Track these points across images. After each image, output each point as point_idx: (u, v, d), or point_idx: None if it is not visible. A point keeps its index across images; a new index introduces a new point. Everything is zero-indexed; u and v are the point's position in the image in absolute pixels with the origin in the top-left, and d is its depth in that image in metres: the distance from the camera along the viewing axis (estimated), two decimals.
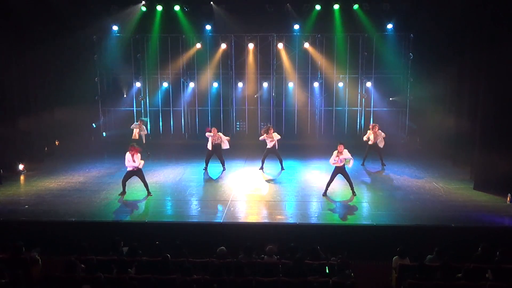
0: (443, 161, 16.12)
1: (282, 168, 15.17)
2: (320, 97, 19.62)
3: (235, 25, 17.95)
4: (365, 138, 15.41)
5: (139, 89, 19.60)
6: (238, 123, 20.09)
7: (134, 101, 19.74)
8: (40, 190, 13.30)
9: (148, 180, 12.85)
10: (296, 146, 18.06)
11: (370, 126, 15.72)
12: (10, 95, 14.94)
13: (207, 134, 14.94)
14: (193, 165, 15.82)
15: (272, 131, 14.78)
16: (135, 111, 19.71)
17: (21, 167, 15.04)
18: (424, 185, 13.68)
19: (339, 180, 12.80)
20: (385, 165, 15.49)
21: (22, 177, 14.65)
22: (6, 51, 14.65)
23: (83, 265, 8.36)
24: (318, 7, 17.66)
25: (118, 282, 7.92)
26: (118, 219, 11.36)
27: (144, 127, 17.00)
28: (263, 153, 15.13)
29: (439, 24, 16.27)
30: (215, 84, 19.56)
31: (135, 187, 13.01)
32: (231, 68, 19.36)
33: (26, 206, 12.01)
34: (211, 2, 17.69)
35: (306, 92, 19.52)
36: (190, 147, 18.01)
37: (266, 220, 11.34)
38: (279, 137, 14.86)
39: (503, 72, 12.44)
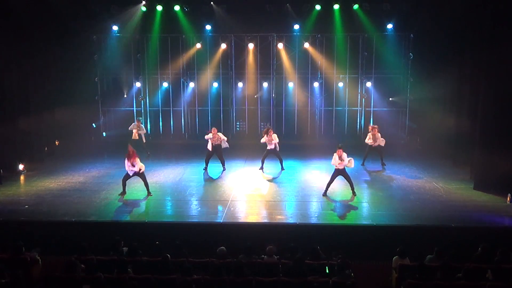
0: (443, 161, 16.12)
1: (282, 168, 15.17)
2: (320, 97, 19.62)
3: (235, 25, 17.95)
4: (366, 140, 15.43)
5: (139, 89, 19.60)
6: (238, 123, 20.09)
7: (134, 101, 19.74)
8: (40, 190, 13.31)
9: (148, 180, 12.85)
10: (296, 146, 18.05)
11: (370, 128, 15.73)
12: (10, 95, 14.95)
13: (206, 136, 14.93)
14: (193, 165, 15.82)
15: (271, 132, 14.77)
16: (135, 111, 19.70)
17: (21, 167, 15.04)
18: (424, 185, 13.68)
19: (339, 180, 12.79)
20: (385, 165, 15.50)
21: (22, 177, 14.66)
22: (6, 51, 14.65)
23: (83, 265, 8.36)
24: (318, 7, 17.65)
25: (118, 282, 7.92)
26: (118, 219, 11.37)
27: (142, 126, 17.01)
28: (263, 153, 15.14)
29: (439, 24, 16.28)
30: (215, 84, 19.56)
31: (135, 187, 13.02)
32: (231, 68, 19.36)
33: (26, 206, 12.01)
34: (211, 2, 17.69)
35: (306, 92, 19.52)
36: (190, 147, 18.00)
37: (266, 220, 11.34)
38: (277, 140, 14.86)
39: (503, 72, 12.45)
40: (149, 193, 12.67)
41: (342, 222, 11.19)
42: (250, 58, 19.14)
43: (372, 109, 19.54)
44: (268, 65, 19.33)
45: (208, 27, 18.64)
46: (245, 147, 17.45)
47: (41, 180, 14.28)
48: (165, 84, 19.58)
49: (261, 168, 15.24)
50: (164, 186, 13.70)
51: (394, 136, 18.69)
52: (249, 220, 11.34)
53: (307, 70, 19.25)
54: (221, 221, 11.12)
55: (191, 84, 19.51)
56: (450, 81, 16.29)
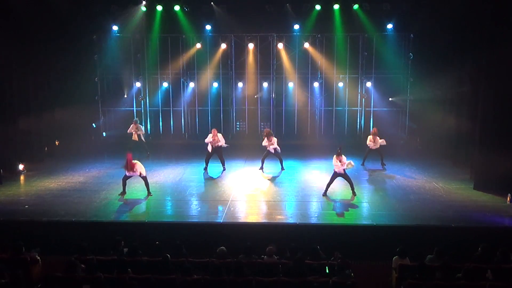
0: (443, 161, 16.12)
1: (282, 168, 15.18)
2: (320, 97, 19.61)
3: (235, 25, 17.94)
4: (368, 143, 15.43)
5: (139, 89, 19.58)
6: (238, 123, 20.08)
7: (134, 101, 19.72)
8: (40, 190, 13.31)
9: (148, 180, 12.84)
10: (296, 146, 18.04)
11: (372, 132, 15.68)
12: (10, 95, 14.95)
13: (206, 140, 14.91)
14: (193, 165, 15.83)
15: (272, 138, 14.73)
16: (135, 111, 19.69)
17: (21, 167, 15.04)
18: (424, 185, 13.68)
19: (339, 180, 12.79)
20: (385, 165, 15.51)
21: (22, 177, 14.66)
22: (6, 51, 14.65)
23: (83, 265, 8.36)
24: (318, 7, 17.65)
25: (118, 282, 7.92)
26: (118, 219, 11.37)
27: (141, 126, 16.95)
28: (263, 153, 15.14)
29: (439, 24, 16.27)
30: (215, 84, 19.54)
31: (135, 187, 13.02)
32: (231, 68, 19.35)
33: (26, 206, 12.01)
34: (211, 2, 17.68)
35: (306, 92, 19.51)
36: (190, 147, 17.99)
37: (266, 220, 11.34)
38: (276, 146, 14.86)
39: (503, 72, 12.45)
40: (149, 193, 12.67)
41: (342, 222, 11.19)
42: (250, 58, 19.13)
43: (372, 109, 19.53)
44: (268, 65, 19.32)
45: (208, 27, 18.63)
46: (245, 147, 17.44)
47: (41, 180, 14.28)
48: (165, 84, 19.56)
49: (261, 168, 15.24)
50: (164, 186, 13.70)
51: (394, 136, 18.68)
52: (249, 220, 11.35)
53: (307, 70, 19.24)
54: (221, 221, 11.13)
55: (191, 84, 19.50)
56: (450, 81, 16.29)
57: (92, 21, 17.83)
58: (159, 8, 17.94)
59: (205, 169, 15.15)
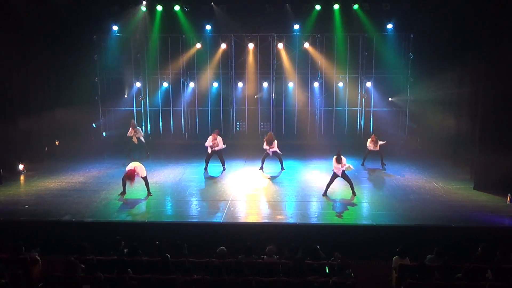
0: (443, 161, 16.12)
1: (282, 168, 15.18)
2: (320, 97, 19.61)
3: (235, 25, 17.96)
4: (368, 145, 15.43)
5: (139, 89, 19.59)
6: (238, 123, 20.08)
7: (134, 101, 19.73)
8: (40, 190, 13.31)
9: (148, 180, 12.83)
10: (296, 146, 18.04)
11: (371, 138, 15.66)
12: (10, 95, 14.95)
13: (206, 144, 14.90)
14: (193, 165, 15.83)
15: (274, 143, 14.71)
16: (135, 111, 19.70)
17: (21, 167, 15.05)
18: (424, 185, 13.68)
19: (339, 180, 12.78)
20: (385, 165, 15.51)
21: (22, 177, 14.66)
22: (6, 51, 14.65)
23: (83, 265, 8.36)
24: (318, 7, 17.67)
25: (118, 282, 7.92)
26: (118, 219, 11.36)
27: (139, 128, 16.88)
28: (263, 153, 15.14)
29: (439, 24, 16.26)
30: (215, 84, 19.55)
31: (135, 187, 12.99)
32: (231, 68, 19.35)
33: (26, 206, 12.01)
34: (211, 2, 17.70)
35: (306, 92, 19.51)
36: (190, 147, 17.99)
37: (266, 220, 11.34)
38: (277, 149, 14.87)
39: (503, 72, 12.45)
40: (149, 193, 12.68)
41: (342, 222, 11.19)
42: (250, 58, 19.14)
43: (372, 109, 19.54)
44: (268, 65, 19.32)
45: (208, 27, 18.64)
46: (245, 147, 17.45)
47: (41, 180, 14.28)
48: (165, 84, 19.57)
49: (261, 168, 15.25)
50: (164, 186, 13.70)
51: (394, 136, 18.70)
52: (249, 220, 11.35)
53: (307, 70, 19.24)
54: (221, 221, 11.12)
55: (191, 84, 19.51)
56: (450, 81, 16.30)
57: (92, 21, 17.85)
58: (159, 8, 17.96)
59: (205, 169, 15.15)
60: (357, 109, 19.67)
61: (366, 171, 15.24)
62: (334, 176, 12.60)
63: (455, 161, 15.71)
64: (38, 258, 9.26)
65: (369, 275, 9.60)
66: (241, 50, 19.14)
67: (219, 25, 18.37)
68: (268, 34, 18.79)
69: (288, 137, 18.82)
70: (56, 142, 17.87)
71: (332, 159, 12.53)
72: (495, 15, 12.56)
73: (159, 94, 19.73)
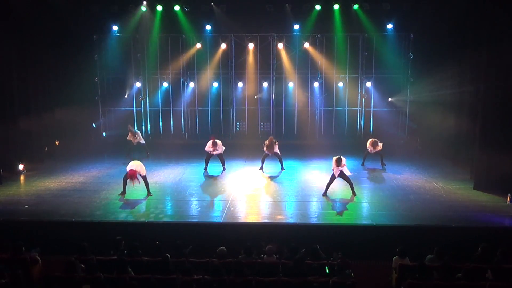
0: (443, 161, 16.12)
1: (282, 168, 15.18)
2: (320, 97, 19.60)
3: (235, 25, 17.94)
4: (368, 146, 15.43)
5: (139, 89, 19.57)
6: (238, 123, 20.06)
7: (134, 101, 19.72)
8: (40, 190, 13.31)
9: (148, 180, 12.84)
10: (296, 146, 18.03)
11: (370, 141, 15.62)
12: (10, 95, 14.95)
13: (206, 148, 14.90)
14: (193, 165, 15.83)
15: (276, 146, 14.69)
16: (135, 111, 19.69)
17: (21, 167, 15.05)
18: (424, 185, 13.68)
19: (339, 180, 12.79)
20: (385, 165, 15.51)
21: (22, 177, 14.66)
22: (6, 52, 14.66)
23: (83, 265, 8.36)
24: (318, 7, 17.64)
25: (118, 282, 7.92)
26: (118, 219, 11.36)
27: (137, 132, 16.79)
28: (263, 153, 15.14)
29: (439, 24, 16.27)
30: (215, 84, 19.53)
31: (135, 187, 12.98)
32: (231, 68, 19.34)
33: (26, 206, 12.02)
34: (211, 2, 17.69)
35: (306, 92, 19.49)
36: (190, 147, 17.97)
37: (266, 220, 11.34)
38: (277, 150, 14.87)
39: (503, 72, 12.44)
40: (149, 193, 12.68)
41: (342, 222, 11.19)
42: (250, 58, 19.12)
43: (372, 109, 19.52)
44: (268, 65, 19.31)
45: (208, 27, 18.62)
46: (245, 147, 17.44)
47: (41, 180, 14.28)
48: (165, 84, 19.55)
49: (261, 168, 15.25)
50: (164, 186, 13.70)
51: (394, 136, 18.70)
52: (249, 220, 11.35)
53: (307, 70, 19.23)
54: (221, 221, 11.13)
55: (191, 84, 19.50)
56: (450, 81, 16.28)
57: (92, 21, 17.83)
58: (159, 8, 17.94)
59: (205, 169, 15.15)
60: (357, 109, 19.65)
61: (366, 171, 15.24)
62: (333, 176, 12.60)
63: (455, 161, 15.70)
64: (38, 258, 9.27)
65: (369, 275, 9.60)
66: (241, 50, 19.12)
67: (219, 25, 18.35)
68: (268, 34, 18.77)
69: (288, 137, 18.82)
70: (56, 142, 17.88)
71: (332, 159, 12.53)
72: (495, 15, 12.56)
73: (159, 94, 19.71)
